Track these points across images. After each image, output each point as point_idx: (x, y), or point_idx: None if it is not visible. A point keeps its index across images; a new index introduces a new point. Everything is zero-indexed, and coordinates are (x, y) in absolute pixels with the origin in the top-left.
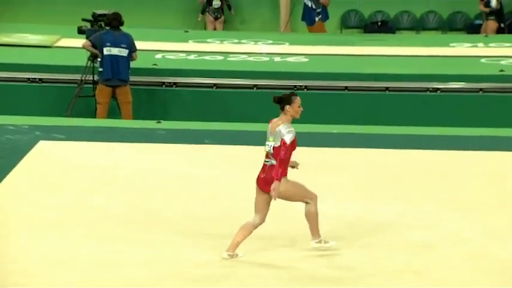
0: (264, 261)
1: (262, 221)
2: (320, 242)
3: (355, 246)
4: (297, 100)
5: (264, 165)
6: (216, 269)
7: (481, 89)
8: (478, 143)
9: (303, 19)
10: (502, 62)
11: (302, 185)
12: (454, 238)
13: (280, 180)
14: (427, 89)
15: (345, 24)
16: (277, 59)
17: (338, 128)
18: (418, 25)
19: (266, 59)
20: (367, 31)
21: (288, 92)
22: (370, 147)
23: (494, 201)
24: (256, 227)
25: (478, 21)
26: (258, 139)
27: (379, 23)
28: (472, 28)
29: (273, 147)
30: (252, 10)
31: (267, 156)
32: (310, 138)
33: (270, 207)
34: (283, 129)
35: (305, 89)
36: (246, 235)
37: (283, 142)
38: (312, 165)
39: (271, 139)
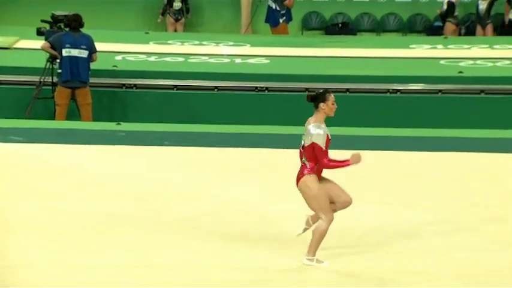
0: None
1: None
2: (312, 260)
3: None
4: (331, 97)
5: (303, 165)
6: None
7: (440, 91)
8: (438, 144)
9: (266, 21)
10: (461, 64)
11: (328, 198)
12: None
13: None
14: (388, 91)
15: (306, 25)
16: (238, 60)
17: (300, 130)
18: (379, 27)
19: (227, 60)
20: (328, 33)
21: (248, 93)
22: (333, 149)
23: (465, 202)
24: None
25: (437, 23)
26: (219, 140)
27: (340, 25)
28: (431, 30)
29: (303, 146)
30: (213, 12)
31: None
32: (273, 139)
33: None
34: (312, 129)
35: (266, 91)
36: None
37: (315, 146)
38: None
39: (303, 138)
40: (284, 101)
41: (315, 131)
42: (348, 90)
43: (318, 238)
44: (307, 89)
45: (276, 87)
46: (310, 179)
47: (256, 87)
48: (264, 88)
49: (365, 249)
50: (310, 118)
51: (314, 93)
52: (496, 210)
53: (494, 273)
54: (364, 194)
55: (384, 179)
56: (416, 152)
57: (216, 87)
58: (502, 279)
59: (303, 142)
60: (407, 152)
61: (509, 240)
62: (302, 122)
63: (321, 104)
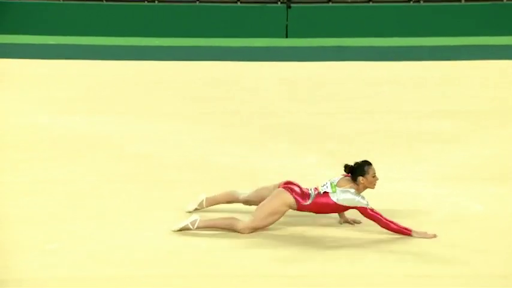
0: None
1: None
2: (192, 224)
3: None
4: (371, 170)
5: (307, 192)
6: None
7: None
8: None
9: None
10: None
11: (272, 218)
12: None
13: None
14: None
15: None
16: None
17: None
18: None
19: None
20: None
21: None
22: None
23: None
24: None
25: None
26: None
27: None
28: None
29: (326, 192)
30: None
31: (315, 188)
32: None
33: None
34: (352, 195)
35: None
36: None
37: (365, 210)
38: None
39: (332, 186)
40: None
41: (360, 197)
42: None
43: (222, 224)
44: None
45: None
46: (287, 197)
47: None
48: None
49: None
50: (345, 179)
51: (352, 165)
52: None
53: None
54: None
55: None
56: None
57: None
58: None
59: (327, 186)
60: None
61: None
62: None
63: (360, 178)
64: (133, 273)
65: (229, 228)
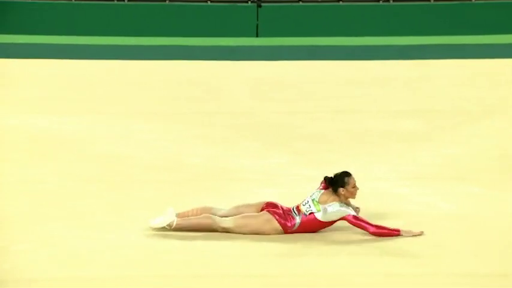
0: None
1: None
2: (169, 225)
3: None
4: (351, 181)
5: (291, 215)
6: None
7: None
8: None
9: None
10: None
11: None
12: None
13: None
14: None
15: None
16: None
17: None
18: None
19: None
20: None
21: None
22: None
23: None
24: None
25: None
26: None
27: None
28: None
29: (312, 212)
30: None
31: (297, 208)
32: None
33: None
34: (338, 207)
35: None
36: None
37: (349, 220)
38: None
39: (315, 203)
40: None
41: (343, 207)
42: None
43: (200, 225)
44: None
45: None
46: (274, 225)
47: None
48: None
49: None
50: (326, 191)
51: (332, 177)
52: None
53: None
54: None
55: None
56: None
57: None
58: None
59: (311, 207)
60: None
61: None
62: None
63: (340, 189)
64: (128, 274)
65: (207, 229)
